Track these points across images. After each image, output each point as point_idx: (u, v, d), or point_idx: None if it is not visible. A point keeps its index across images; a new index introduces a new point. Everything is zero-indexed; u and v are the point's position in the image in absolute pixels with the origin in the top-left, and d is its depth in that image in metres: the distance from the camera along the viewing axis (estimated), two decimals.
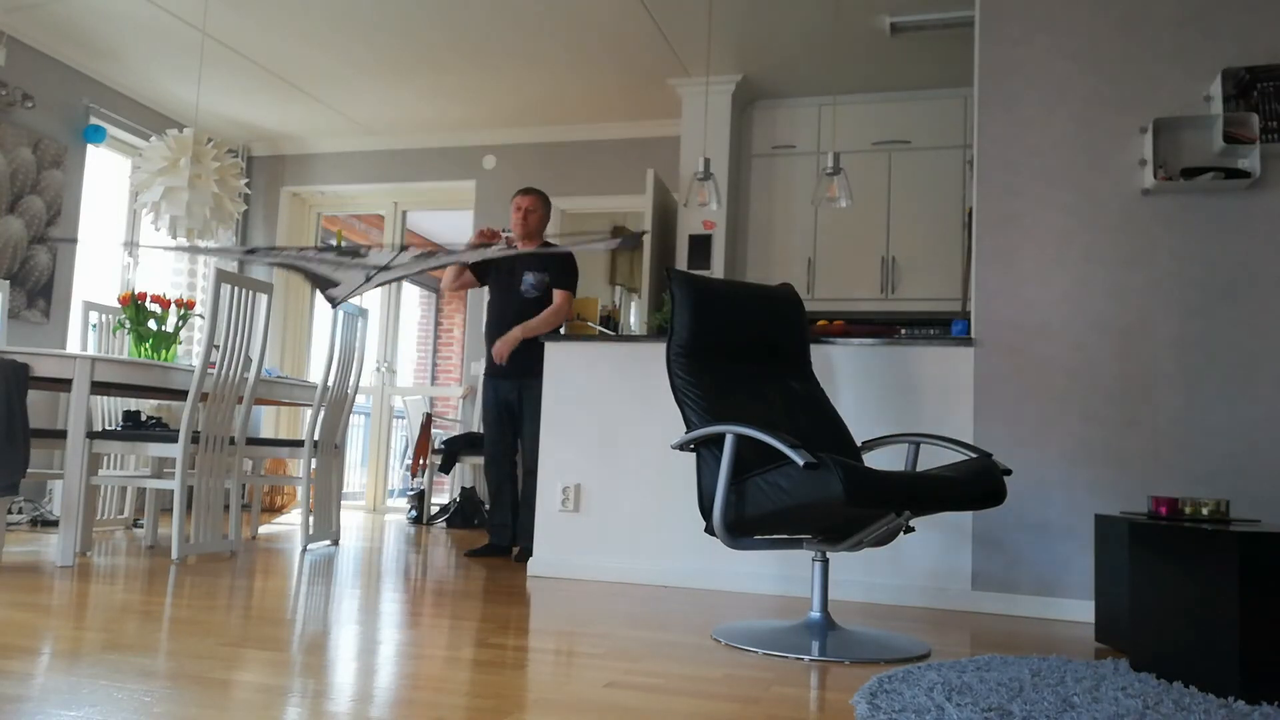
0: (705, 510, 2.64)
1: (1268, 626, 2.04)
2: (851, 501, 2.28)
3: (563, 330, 4.42)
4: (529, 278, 4.37)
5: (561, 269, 4.41)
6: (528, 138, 6.71)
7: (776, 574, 3.56)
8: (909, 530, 2.69)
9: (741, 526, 2.56)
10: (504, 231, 4.62)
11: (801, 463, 2.31)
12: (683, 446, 2.68)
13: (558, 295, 4.36)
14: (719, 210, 5.47)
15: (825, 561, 2.73)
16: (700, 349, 2.87)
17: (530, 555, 4.13)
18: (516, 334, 4.25)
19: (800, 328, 3.14)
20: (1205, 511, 2.56)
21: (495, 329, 4.39)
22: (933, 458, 3.31)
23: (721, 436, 2.58)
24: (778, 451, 2.43)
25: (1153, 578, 2.38)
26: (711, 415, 2.72)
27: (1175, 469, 3.27)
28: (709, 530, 2.60)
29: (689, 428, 2.72)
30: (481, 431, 6.34)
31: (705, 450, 2.67)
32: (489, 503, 4.50)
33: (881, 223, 5.56)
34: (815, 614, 2.70)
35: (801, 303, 3.17)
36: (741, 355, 2.99)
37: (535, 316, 4.31)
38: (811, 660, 2.40)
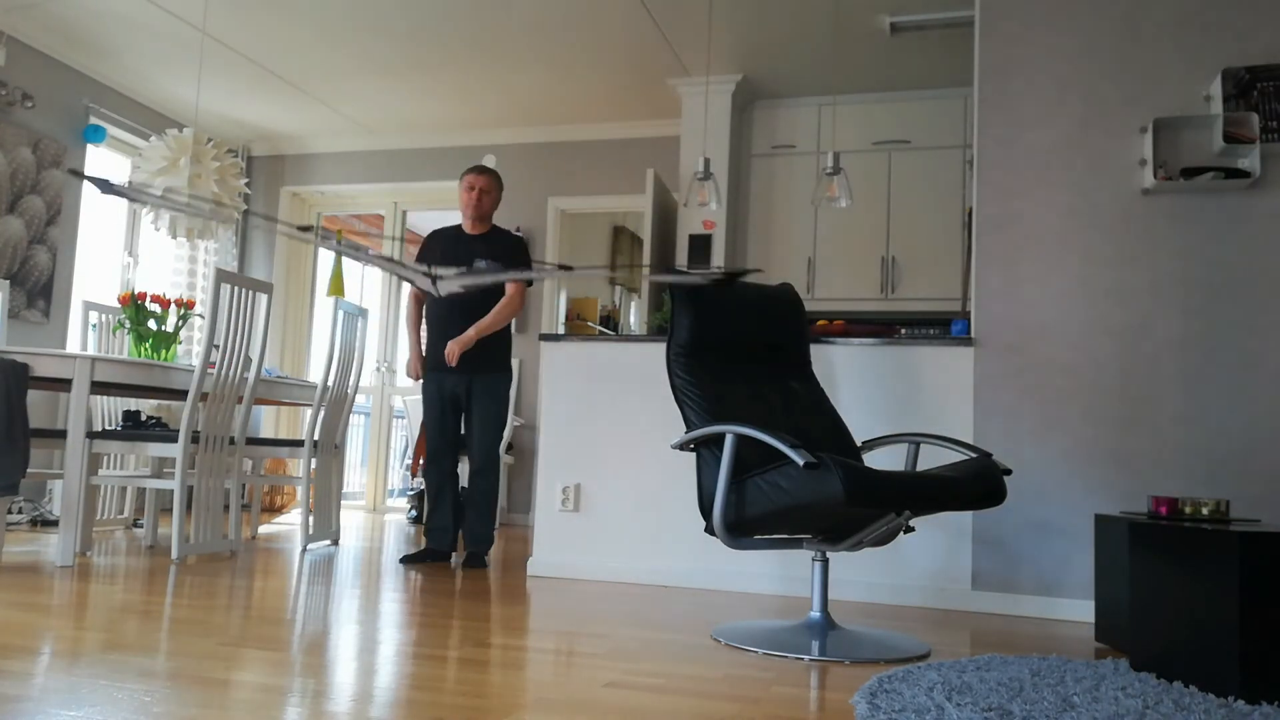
0: (705, 510, 2.64)
1: (1268, 626, 2.04)
2: (851, 501, 2.28)
3: (513, 325, 4.22)
4: (480, 265, 4.02)
5: (513, 256, 4.13)
6: (528, 138, 6.71)
7: (776, 574, 3.56)
8: (909, 530, 2.69)
9: (741, 526, 2.56)
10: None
11: (801, 463, 2.31)
12: (683, 446, 2.68)
13: (510, 287, 4.05)
14: (719, 210, 5.48)
15: (825, 561, 2.74)
16: (700, 349, 2.87)
17: (484, 563, 4.00)
18: (471, 335, 3.95)
19: (800, 328, 3.13)
20: (1205, 511, 2.56)
21: (441, 320, 4.06)
22: (932, 458, 3.31)
23: (721, 436, 2.58)
24: (778, 451, 2.43)
25: (1153, 578, 2.38)
26: (711, 415, 2.72)
27: (1175, 469, 3.27)
28: (709, 530, 2.60)
29: (689, 427, 2.72)
30: None
31: (705, 450, 2.67)
32: (428, 504, 4.12)
33: (881, 223, 5.56)
34: (815, 614, 2.72)
35: (801, 303, 3.16)
36: (741, 355, 2.99)
37: (488, 312, 4.01)
38: (811, 660, 2.40)
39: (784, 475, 2.43)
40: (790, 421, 2.93)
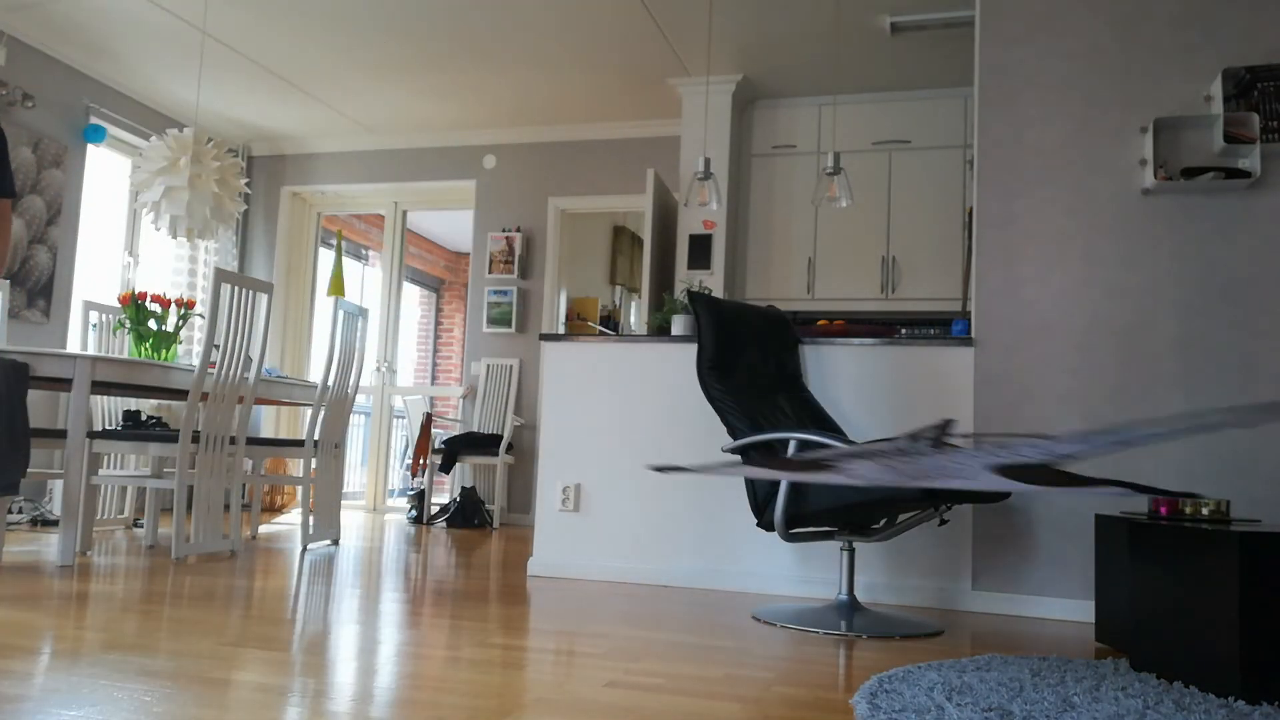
0: (758, 507, 2.92)
1: (1268, 626, 2.04)
2: (928, 496, 2.62)
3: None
4: None
5: None
6: (528, 138, 6.71)
7: (774, 574, 3.56)
8: (944, 523, 3.06)
9: (799, 521, 2.86)
10: None
11: None
12: (736, 450, 2.98)
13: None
14: (719, 210, 5.47)
15: (852, 551, 3.07)
16: (725, 365, 3.17)
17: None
18: None
19: (795, 343, 3.52)
20: (1205, 511, 2.56)
21: None
22: None
23: (771, 440, 2.93)
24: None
25: (1153, 578, 2.38)
26: (751, 421, 3.02)
27: (1175, 469, 3.27)
28: (762, 525, 2.91)
29: (732, 433, 3.00)
30: (483, 431, 6.36)
31: (755, 454, 2.96)
32: None
33: (881, 223, 5.56)
34: (843, 596, 3.05)
35: (789, 322, 3.51)
36: (755, 368, 3.31)
37: None
38: (840, 635, 2.76)
39: None
40: (803, 427, 3.23)
